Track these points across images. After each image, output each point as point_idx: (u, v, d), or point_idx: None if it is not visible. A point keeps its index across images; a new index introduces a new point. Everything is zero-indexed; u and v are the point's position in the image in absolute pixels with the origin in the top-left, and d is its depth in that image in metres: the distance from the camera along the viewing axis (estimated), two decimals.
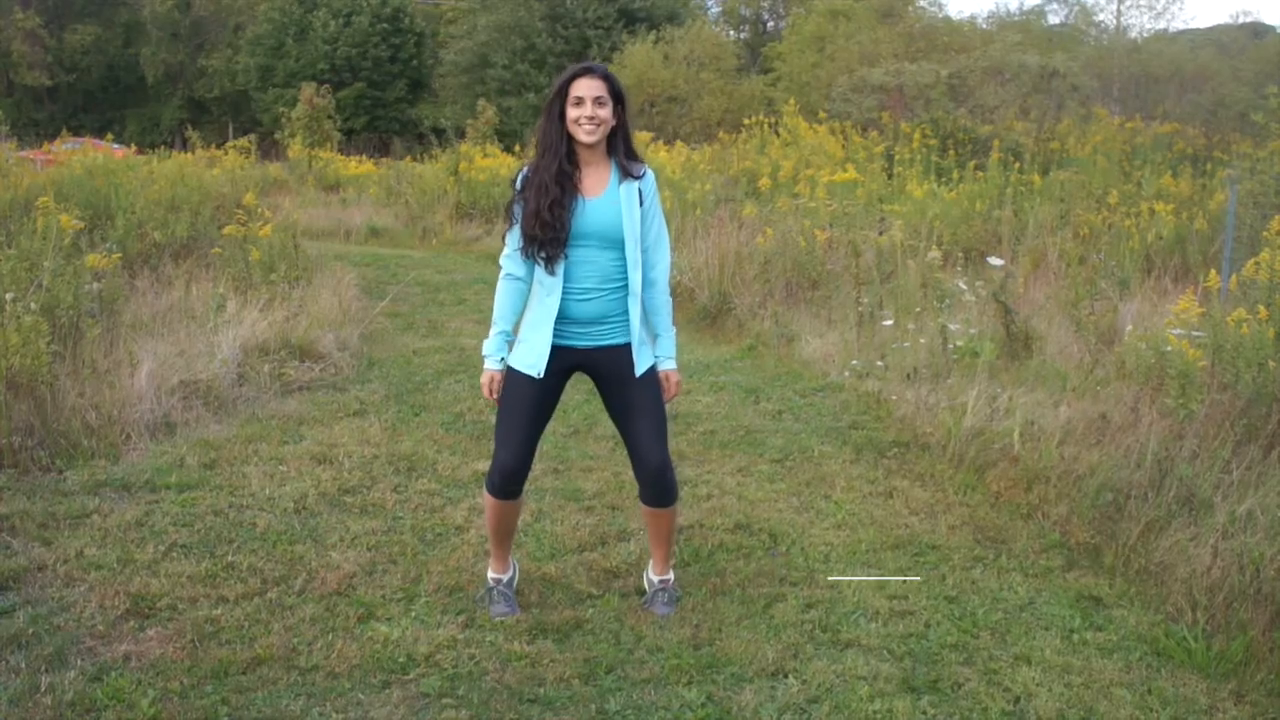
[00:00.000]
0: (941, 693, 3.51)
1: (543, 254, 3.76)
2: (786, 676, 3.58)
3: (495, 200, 17.14)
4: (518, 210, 3.82)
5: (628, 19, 36.92)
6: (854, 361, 7.85)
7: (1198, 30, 36.23)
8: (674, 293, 10.27)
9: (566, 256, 3.77)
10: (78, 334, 6.39)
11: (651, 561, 4.18)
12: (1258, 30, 32.74)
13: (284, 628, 3.81)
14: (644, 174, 3.87)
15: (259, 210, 10.37)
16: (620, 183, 3.83)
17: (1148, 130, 18.40)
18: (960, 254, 9.76)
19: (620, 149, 3.86)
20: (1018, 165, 14.23)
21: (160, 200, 11.29)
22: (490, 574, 4.12)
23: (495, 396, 3.94)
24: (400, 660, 3.62)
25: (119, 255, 7.93)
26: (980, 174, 14.13)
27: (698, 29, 31.44)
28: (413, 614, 3.97)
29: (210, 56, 46.89)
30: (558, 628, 3.89)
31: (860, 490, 5.49)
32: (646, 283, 3.92)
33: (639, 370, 3.88)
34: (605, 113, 3.76)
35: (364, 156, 28.32)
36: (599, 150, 3.83)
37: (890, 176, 14.67)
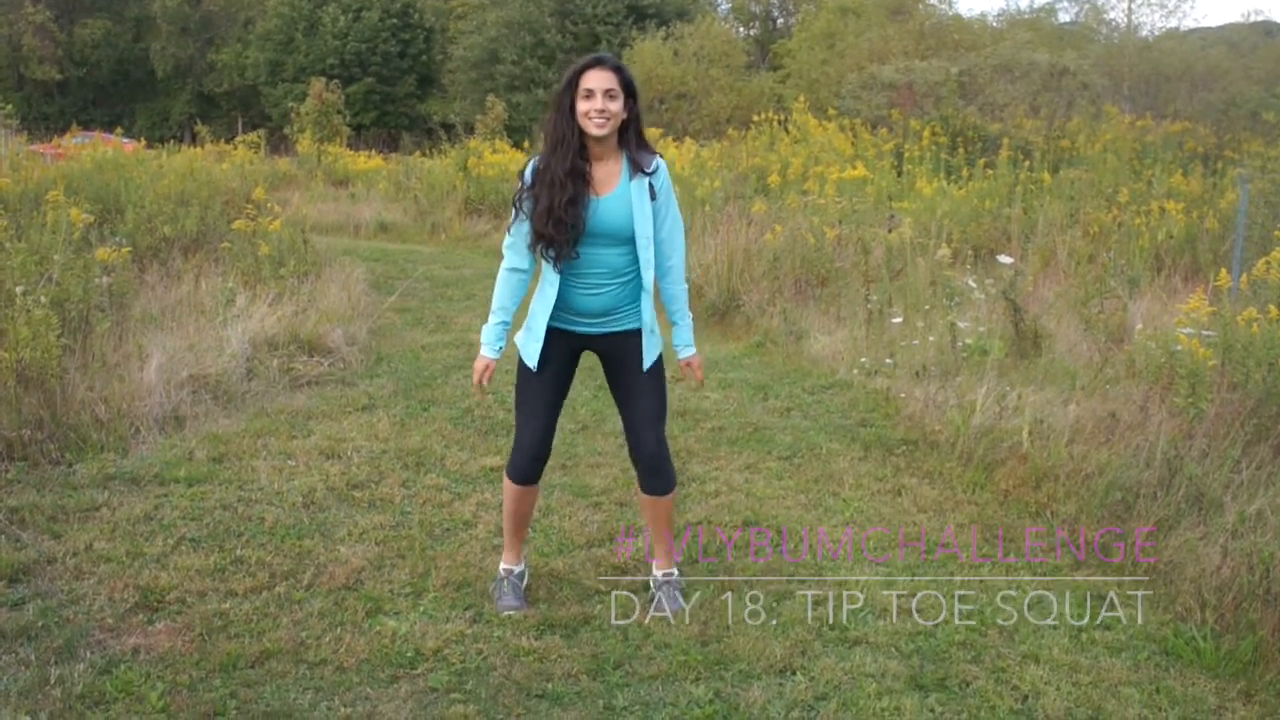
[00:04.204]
0: (949, 690, 3.50)
1: (551, 252, 3.74)
2: (794, 673, 3.58)
3: (504, 196, 17.13)
4: (527, 205, 3.78)
5: (637, 15, 36.94)
6: (862, 359, 7.83)
7: (1209, 29, 36.13)
8: None
9: (576, 255, 3.76)
10: (87, 328, 6.40)
11: (655, 557, 4.17)
12: (1269, 29, 32.68)
13: (292, 622, 3.82)
14: (655, 168, 3.81)
15: (268, 205, 10.40)
16: (631, 179, 3.79)
17: (1158, 129, 18.34)
18: (970, 252, 9.76)
19: (632, 142, 3.81)
20: (1027, 163, 14.20)
21: (170, 194, 11.30)
22: (503, 565, 4.13)
23: (484, 384, 3.96)
24: (408, 655, 3.62)
25: (129, 249, 7.94)
26: (990, 172, 14.10)
27: (707, 25, 31.39)
28: (421, 609, 3.98)
29: (220, 51, 46.99)
30: (566, 623, 3.89)
31: (869, 488, 5.49)
32: (662, 272, 3.91)
33: (647, 363, 3.89)
34: (616, 106, 3.70)
35: (373, 151, 28.39)
36: (610, 143, 3.78)
37: (900, 174, 14.65)
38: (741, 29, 44.24)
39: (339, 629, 3.78)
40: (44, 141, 21.57)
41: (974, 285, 8.18)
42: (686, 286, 4.02)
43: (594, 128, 3.69)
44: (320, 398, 6.87)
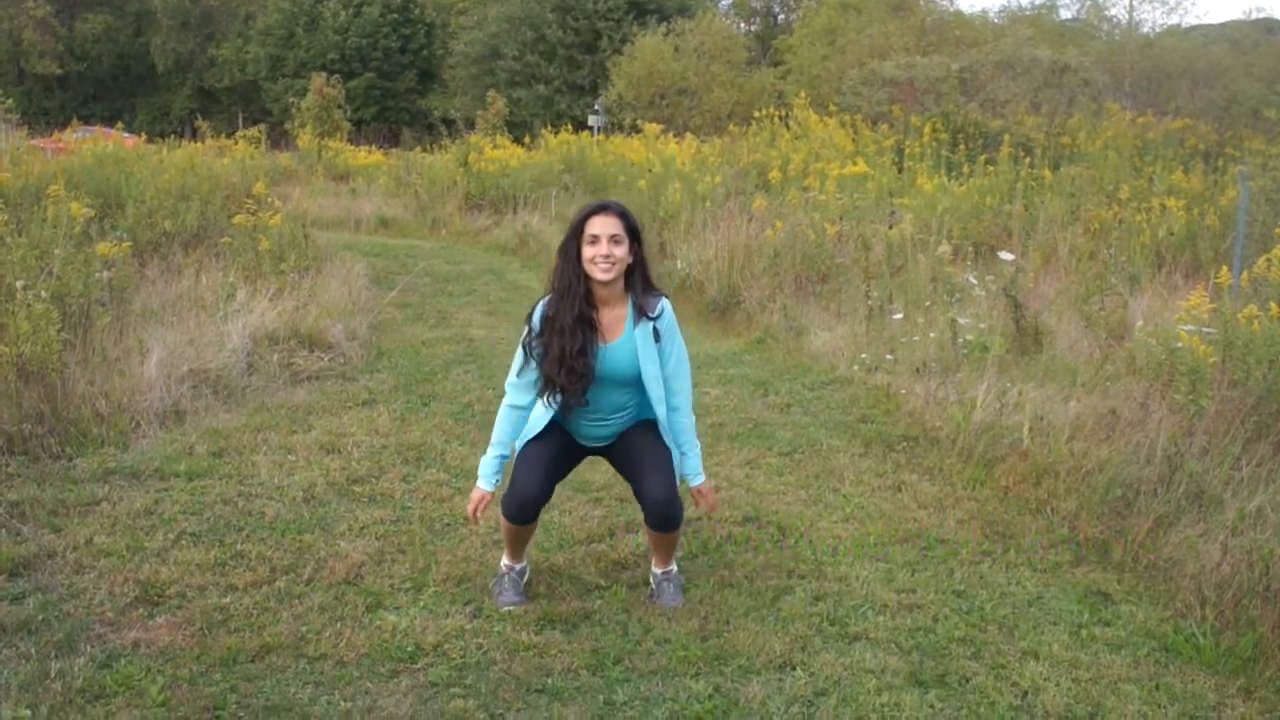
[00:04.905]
0: (949, 687, 3.50)
1: (558, 399, 3.82)
2: (794, 669, 3.58)
3: (505, 191, 17.16)
4: (537, 351, 3.83)
5: (638, 11, 36.89)
6: (863, 355, 7.83)
7: (1210, 26, 36.15)
8: (683, 286, 10.32)
9: (585, 403, 3.84)
10: (88, 322, 6.40)
11: (653, 558, 4.18)
12: (1270, 26, 32.67)
13: (292, 616, 3.82)
14: (660, 312, 3.87)
15: (269, 200, 10.40)
16: (636, 325, 3.85)
17: (1159, 126, 18.34)
18: (970, 248, 9.75)
19: (638, 286, 3.87)
20: (1028, 160, 14.20)
21: (170, 189, 11.30)
22: (504, 561, 4.14)
23: (480, 517, 4.01)
24: (408, 649, 3.63)
25: (129, 244, 7.94)
26: (991, 168, 14.09)
27: (708, 21, 31.37)
28: (421, 603, 3.98)
29: (220, 46, 46.95)
30: (565, 618, 3.89)
31: (869, 484, 5.49)
32: (669, 408, 3.96)
33: (662, 441, 3.98)
34: (621, 251, 3.76)
35: (374, 147, 28.39)
36: (616, 288, 3.84)
37: (900, 170, 14.64)
38: (742, 25, 44.19)
39: (339, 624, 3.78)
40: (44, 136, 21.56)
41: (975, 282, 8.18)
42: (693, 419, 4.08)
43: (599, 273, 3.76)
44: (320, 393, 6.87)
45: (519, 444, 3.98)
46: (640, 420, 4.03)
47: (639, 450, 3.98)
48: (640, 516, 4.09)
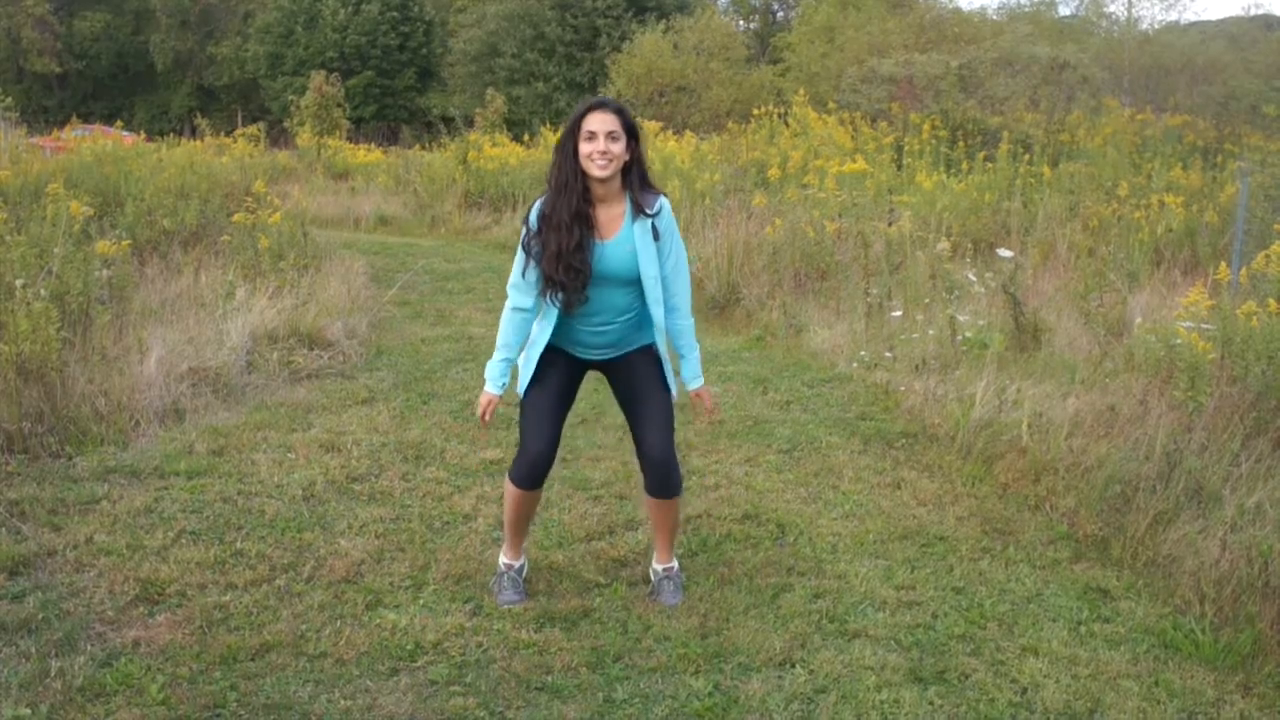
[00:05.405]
0: (948, 683, 3.51)
1: (560, 297, 3.77)
2: (794, 666, 3.58)
3: (504, 189, 17.14)
4: (536, 249, 3.80)
5: (637, 8, 36.86)
6: (862, 352, 7.84)
7: (1209, 22, 36.17)
8: None
9: (585, 300, 3.79)
10: (87, 321, 6.40)
11: (655, 550, 4.18)
12: (1269, 23, 32.63)
13: (292, 614, 3.82)
14: (659, 209, 3.83)
15: (268, 198, 10.40)
16: (634, 221, 3.81)
17: (1158, 122, 18.32)
18: (969, 245, 9.76)
19: (635, 183, 3.83)
20: (1027, 157, 14.19)
21: (170, 187, 11.32)
22: (502, 559, 4.13)
23: (488, 419, 3.99)
24: (408, 648, 3.63)
25: (128, 242, 7.94)
26: (990, 165, 14.08)
27: (707, 18, 31.33)
28: (421, 602, 3.98)
29: (220, 44, 46.93)
30: (565, 616, 3.89)
31: (868, 481, 5.49)
32: (668, 308, 3.93)
33: (661, 377, 3.96)
34: (618, 148, 3.73)
35: (373, 145, 28.39)
36: (613, 185, 3.80)
37: (899, 167, 14.63)
38: (741, 22, 44.17)
39: (339, 622, 3.79)
40: (44, 134, 21.57)
41: (974, 279, 8.19)
42: (693, 321, 4.05)
43: (596, 170, 3.72)
44: (320, 391, 6.87)
45: (522, 379, 3.93)
46: (643, 346, 3.97)
47: (643, 390, 3.95)
48: (641, 508, 4.09)
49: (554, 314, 3.84)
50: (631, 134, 3.78)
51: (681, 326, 3.98)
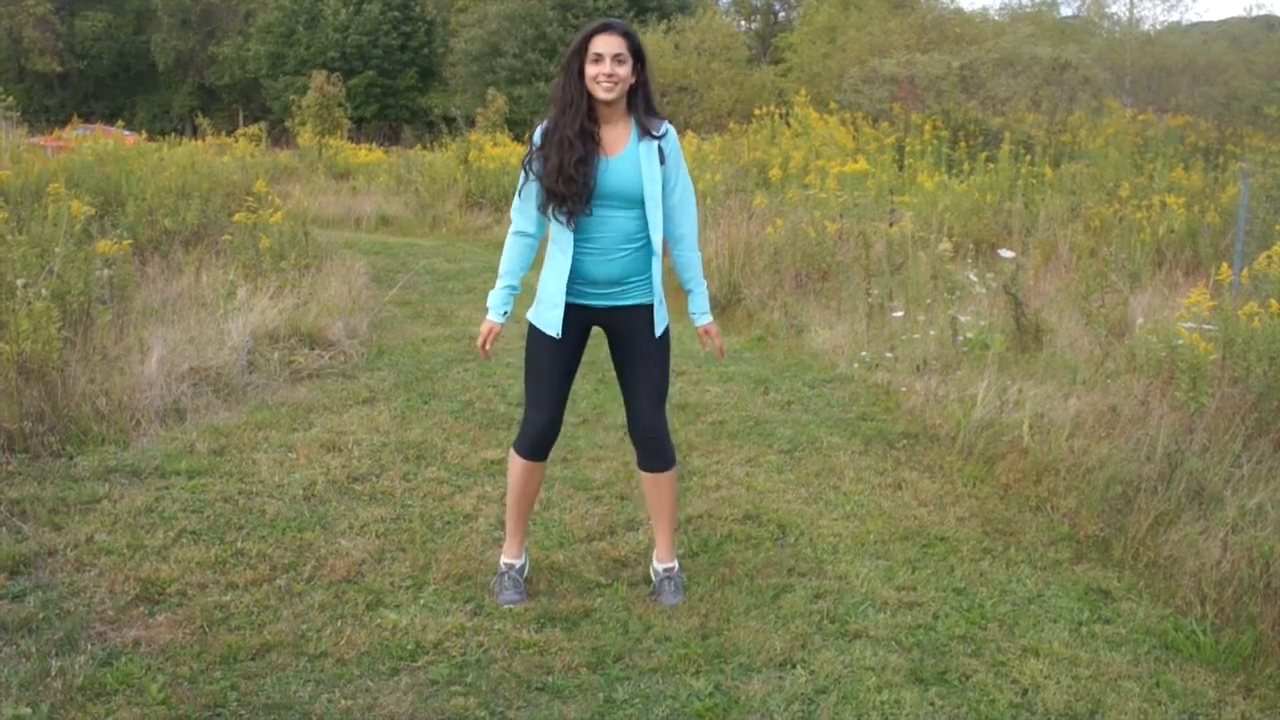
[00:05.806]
0: (949, 684, 3.50)
1: (564, 209, 3.72)
2: (794, 667, 3.58)
3: (505, 189, 17.12)
4: (537, 165, 3.78)
5: (638, 9, 36.88)
6: (863, 353, 7.83)
7: (1210, 23, 36.15)
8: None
9: (589, 212, 3.75)
10: (88, 320, 6.40)
11: (656, 549, 4.18)
12: (1271, 23, 32.63)
13: (293, 614, 3.82)
14: (664, 132, 3.82)
15: (269, 197, 10.40)
16: (640, 141, 3.79)
17: (1160, 123, 18.32)
18: (971, 246, 9.74)
19: (640, 106, 3.81)
20: (1029, 157, 14.19)
21: (171, 187, 11.32)
22: (503, 559, 4.13)
23: (489, 348, 3.97)
24: (409, 648, 3.63)
25: (130, 242, 7.94)
26: (991, 166, 14.08)
27: (709, 19, 31.33)
28: (421, 601, 3.98)
29: (221, 43, 46.97)
30: (566, 616, 3.89)
31: (869, 481, 5.49)
32: (675, 239, 3.92)
33: (657, 330, 3.92)
34: (624, 70, 3.70)
35: (374, 144, 28.37)
36: (619, 108, 3.78)
37: (901, 168, 14.64)
38: (743, 22, 44.17)
39: (339, 621, 3.79)
40: (45, 134, 21.58)
41: (975, 279, 8.18)
42: (700, 255, 4.03)
43: (602, 92, 3.70)
44: (321, 390, 6.87)
45: (534, 316, 3.89)
46: (646, 304, 3.90)
47: (643, 355, 3.92)
48: (643, 508, 4.08)
49: (565, 253, 3.78)
50: (639, 57, 3.75)
51: (689, 259, 3.97)
